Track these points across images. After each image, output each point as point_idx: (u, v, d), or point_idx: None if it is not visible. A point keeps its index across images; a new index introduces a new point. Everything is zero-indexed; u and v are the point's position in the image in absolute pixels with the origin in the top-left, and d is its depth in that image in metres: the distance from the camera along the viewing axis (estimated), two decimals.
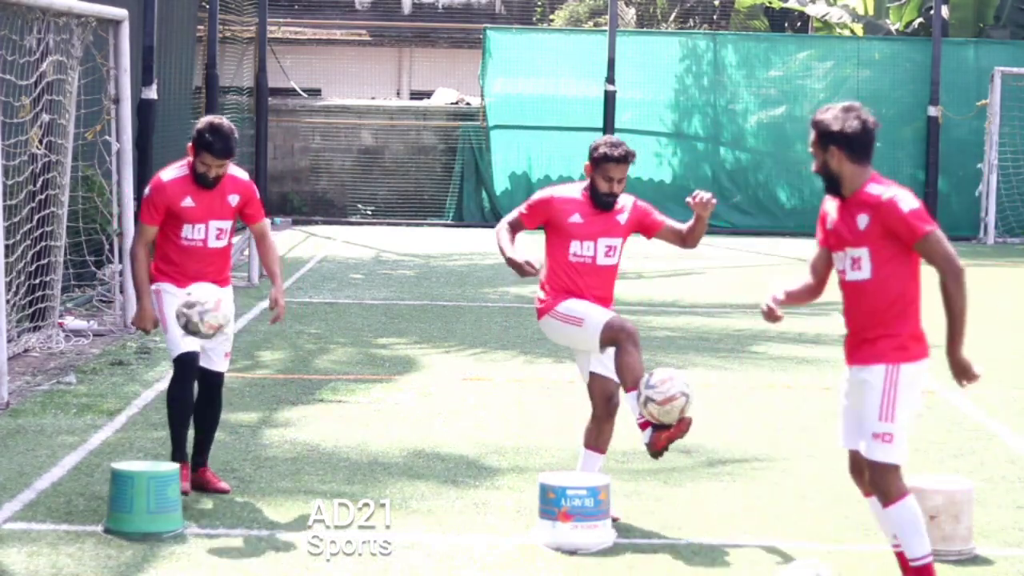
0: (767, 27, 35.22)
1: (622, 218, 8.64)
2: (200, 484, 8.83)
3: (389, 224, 27.64)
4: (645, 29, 34.55)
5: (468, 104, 29.75)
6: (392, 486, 9.15)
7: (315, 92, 33.02)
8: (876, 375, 6.87)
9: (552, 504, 8.03)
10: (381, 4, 37.51)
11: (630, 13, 36.62)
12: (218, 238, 8.95)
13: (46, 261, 13.87)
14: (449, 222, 27.76)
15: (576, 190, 8.70)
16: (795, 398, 12.21)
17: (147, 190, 8.94)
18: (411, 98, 34.59)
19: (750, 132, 27.99)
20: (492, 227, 27.00)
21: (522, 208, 8.88)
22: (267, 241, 9.23)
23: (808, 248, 26.17)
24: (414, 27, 36.84)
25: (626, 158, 8.56)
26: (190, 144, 8.79)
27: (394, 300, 17.40)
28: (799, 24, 35.44)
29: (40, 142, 13.56)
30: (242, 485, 9.07)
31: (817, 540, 8.32)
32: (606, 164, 8.55)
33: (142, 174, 18.00)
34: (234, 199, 8.94)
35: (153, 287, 8.94)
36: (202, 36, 23.90)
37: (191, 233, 8.85)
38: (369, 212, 28.36)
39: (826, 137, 6.77)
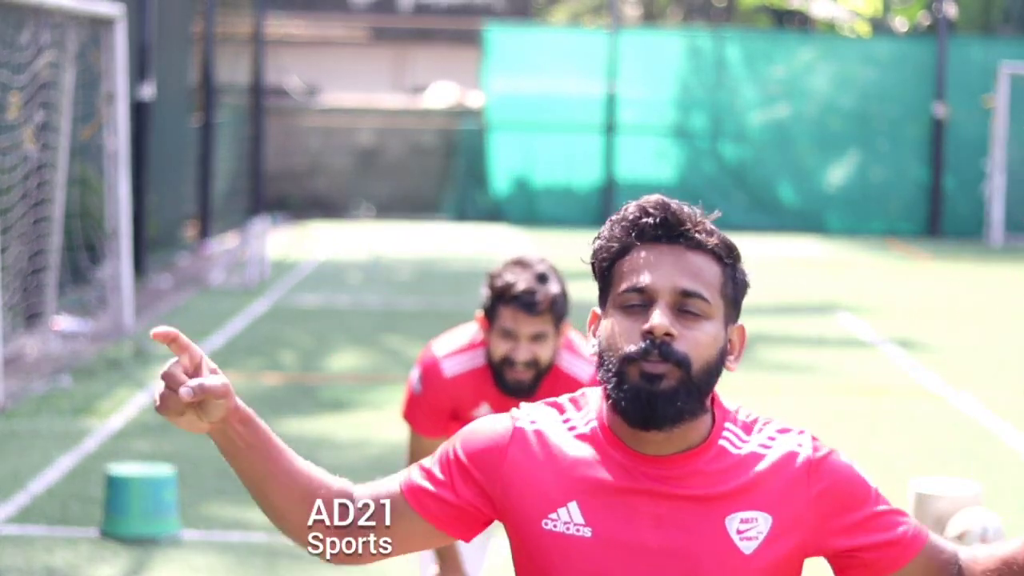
0: (771, 25, 35.17)
1: None
2: None
3: (390, 219, 27.55)
4: (647, 22, 34.47)
5: (467, 100, 29.69)
6: None
7: (314, 91, 32.95)
8: None
9: None
10: (380, 1, 37.46)
11: (632, 11, 36.56)
12: None
13: (41, 262, 13.77)
14: (449, 223, 27.68)
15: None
16: (798, 402, 12.11)
17: (415, 378, 5.15)
18: (411, 94, 34.52)
19: (753, 130, 27.90)
20: (492, 227, 27.05)
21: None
22: None
23: (811, 247, 25.92)
24: (413, 25, 36.77)
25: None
26: (480, 312, 4.96)
27: (394, 300, 17.32)
28: (804, 22, 35.38)
29: (35, 140, 13.46)
30: (240, 487, 8.96)
31: None
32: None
33: (139, 174, 17.93)
34: None
35: None
36: (199, 34, 23.81)
37: None
38: (373, 208, 28.29)
39: None
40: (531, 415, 2.77)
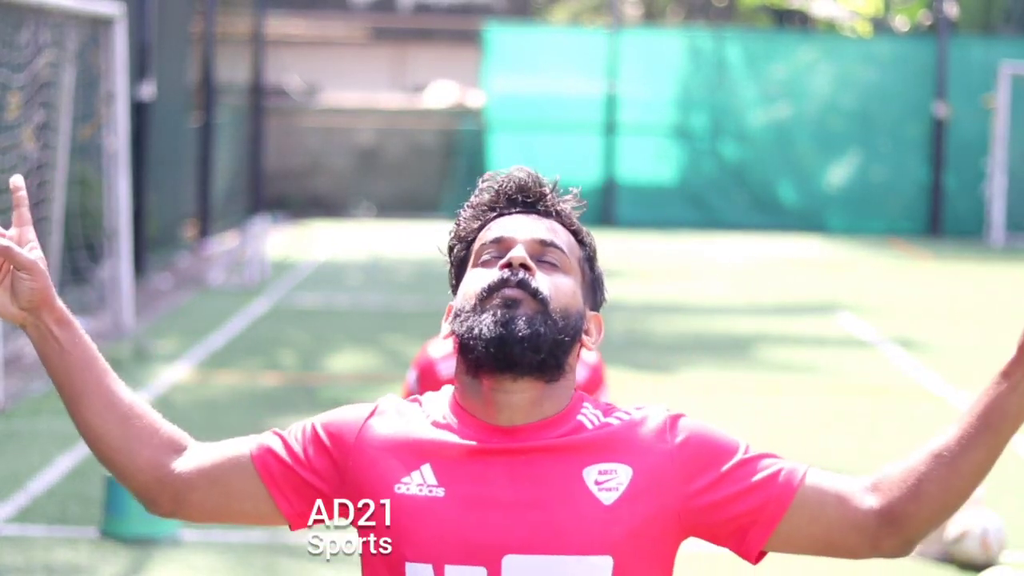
0: (771, 24, 35.14)
1: None
2: None
3: (390, 219, 27.53)
4: (647, 22, 34.45)
5: (467, 100, 29.66)
6: None
7: (314, 90, 32.92)
8: None
9: None
10: (380, 1, 37.43)
11: (632, 11, 36.53)
12: None
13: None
14: (449, 223, 27.65)
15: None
16: (798, 402, 12.09)
17: (411, 380, 5.16)
18: (411, 94, 34.51)
19: (753, 130, 27.88)
20: None
21: None
22: None
23: (811, 247, 25.92)
24: (413, 24, 36.75)
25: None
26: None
27: (394, 300, 17.30)
28: (804, 22, 35.35)
29: (34, 140, 13.44)
30: None
31: None
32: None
33: (138, 174, 17.92)
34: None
35: None
36: (199, 34, 23.79)
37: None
38: (373, 207, 28.26)
39: None
40: (394, 400, 2.75)
